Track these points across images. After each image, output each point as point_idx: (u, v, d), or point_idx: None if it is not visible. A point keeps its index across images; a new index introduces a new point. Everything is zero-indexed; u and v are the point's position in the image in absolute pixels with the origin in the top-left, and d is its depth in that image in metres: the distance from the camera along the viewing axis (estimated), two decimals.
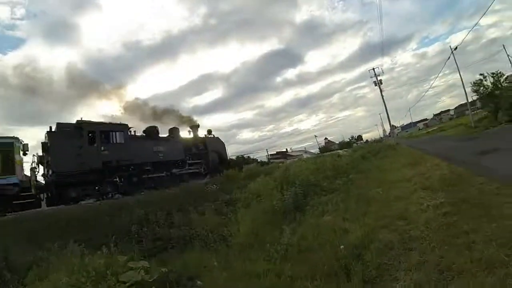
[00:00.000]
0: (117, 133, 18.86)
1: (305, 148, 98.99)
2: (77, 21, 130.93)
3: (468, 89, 30.23)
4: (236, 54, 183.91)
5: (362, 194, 9.80)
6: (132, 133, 20.57)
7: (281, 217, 9.41)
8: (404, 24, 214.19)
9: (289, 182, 12.66)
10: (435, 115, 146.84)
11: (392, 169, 14.86)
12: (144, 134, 21.85)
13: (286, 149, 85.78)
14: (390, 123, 49.55)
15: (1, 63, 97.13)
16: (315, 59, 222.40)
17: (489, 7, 22.69)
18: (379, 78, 45.61)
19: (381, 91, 45.53)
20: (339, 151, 49.07)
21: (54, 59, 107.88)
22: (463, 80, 30.17)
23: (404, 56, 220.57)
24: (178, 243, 9.78)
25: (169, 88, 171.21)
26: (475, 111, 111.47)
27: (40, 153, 16.29)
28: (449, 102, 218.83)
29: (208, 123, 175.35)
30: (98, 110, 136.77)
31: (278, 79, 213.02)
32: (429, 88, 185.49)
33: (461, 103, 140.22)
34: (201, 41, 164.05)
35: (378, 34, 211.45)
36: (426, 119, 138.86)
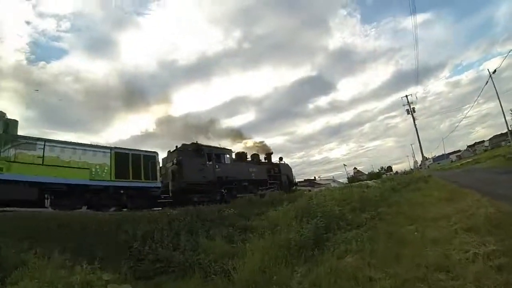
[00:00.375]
0: (226, 155, 24.25)
1: (333, 177, 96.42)
2: (117, 37, 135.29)
3: (508, 118, 28.05)
4: (268, 79, 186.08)
5: (392, 232, 8.49)
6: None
7: (296, 253, 8.15)
8: (437, 51, 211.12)
9: (311, 213, 11.41)
10: (468, 146, 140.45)
11: (426, 204, 13.41)
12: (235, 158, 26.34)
13: (314, 177, 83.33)
14: (422, 153, 47.10)
15: (45, 70, 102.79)
16: (347, 87, 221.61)
17: None
18: (412, 106, 43.70)
19: (414, 119, 43.69)
20: (368, 181, 46.97)
21: (93, 71, 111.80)
22: (502, 107, 28.09)
23: (437, 85, 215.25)
24: (179, 268, 9.03)
25: (202, 108, 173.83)
26: (509, 142, 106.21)
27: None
28: (483, 133, 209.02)
29: (240, 146, 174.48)
30: (130, 124, 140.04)
31: (310, 106, 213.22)
32: (463, 117, 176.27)
33: (496, 134, 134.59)
34: (234, 64, 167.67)
35: (410, 62, 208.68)
36: (459, 151, 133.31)
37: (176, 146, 21.61)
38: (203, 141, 28.72)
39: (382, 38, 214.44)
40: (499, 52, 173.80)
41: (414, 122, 43.47)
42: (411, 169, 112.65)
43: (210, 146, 23.57)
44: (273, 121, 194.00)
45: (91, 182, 15.10)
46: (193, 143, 22.70)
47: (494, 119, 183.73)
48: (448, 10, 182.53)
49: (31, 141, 13.63)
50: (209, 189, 21.21)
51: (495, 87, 29.52)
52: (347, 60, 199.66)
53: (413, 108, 43.68)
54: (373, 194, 20.84)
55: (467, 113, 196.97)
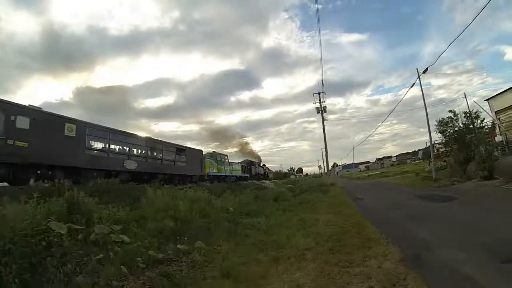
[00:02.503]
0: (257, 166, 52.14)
1: None
2: None
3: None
4: (196, 66, 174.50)
5: None
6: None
7: None
8: (364, 70, 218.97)
9: None
10: (377, 159, 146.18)
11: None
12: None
13: None
14: (327, 158, 41.62)
15: None
16: (272, 86, 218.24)
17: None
18: (323, 105, 37.46)
19: (323, 119, 37.53)
20: (265, 181, 40.77)
21: (13, 22, 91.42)
22: (428, 117, 22.11)
23: (358, 100, 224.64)
24: None
25: (124, 83, 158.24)
26: (414, 160, 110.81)
27: None
28: (392, 149, 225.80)
29: (155, 129, 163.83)
30: (45, 88, 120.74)
31: (232, 98, 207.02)
32: (374, 132, 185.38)
33: (402, 152, 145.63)
34: (166, 44, 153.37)
35: (337, 74, 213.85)
36: (368, 162, 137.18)
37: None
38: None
39: (316, 47, 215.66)
40: (417, 83, 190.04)
41: (323, 122, 37.36)
42: (321, 173, 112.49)
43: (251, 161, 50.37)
44: (193, 108, 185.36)
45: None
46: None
47: (403, 139, 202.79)
48: (382, 36, 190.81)
49: None
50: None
51: (421, 87, 24.30)
52: (278, 61, 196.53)
53: (324, 107, 37.42)
54: (236, 202, 14.42)
55: (379, 125, 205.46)
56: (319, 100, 37.36)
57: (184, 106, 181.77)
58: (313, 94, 38.15)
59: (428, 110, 22.19)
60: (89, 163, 15.20)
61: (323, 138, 37.79)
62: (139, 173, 18.44)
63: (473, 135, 19.59)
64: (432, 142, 22.16)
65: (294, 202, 17.36)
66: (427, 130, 22.95)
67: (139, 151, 20.09)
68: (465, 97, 30.65)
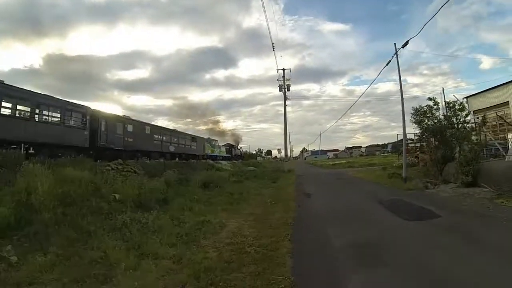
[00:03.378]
0: (236, 148, 63.39)
1: None
2: None
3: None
4: (174, 40, 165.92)
5: None
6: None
7: None
8: (343, 60, 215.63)
9: None
10: (347, 148, 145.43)
11: None
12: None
13: None
14: (286, 143, 37.49)
15: None
16: (248, 67, 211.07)
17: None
18: (287, 83, 33.19)
19: (285, 98, 33.26)
20: (222, 161, 37.22)
21: None
22: (404, 103, 18.07)
23: (333, 88, 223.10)
24: None
25: (98, 53, 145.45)
26: (383, 153, 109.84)
27: None
28: (362, 139, 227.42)
29: (127, 102, 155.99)
30: (13, 53, 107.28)
31: (207, 76, 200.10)
32: (342, 121, 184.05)
33: (372, 143, 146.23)
34: (144, 15, 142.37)
35: (314, 61, 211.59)
36: (337, 150, 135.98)
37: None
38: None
39: (297, 32, 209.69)
40: (393, 79, 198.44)
41: (285, 102, 33.09)
42: (288, 157, 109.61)
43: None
44: (167, 83, 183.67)
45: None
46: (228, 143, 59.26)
47: (374, 131, 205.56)
48: (365, 29, 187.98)
49: None
50: None
51: (398, 64, 19.68)
52: (256, 42, 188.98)
53: (288, 86, 33.10)
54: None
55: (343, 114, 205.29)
56: (283, 77, 33.05)
57: (159, 80, 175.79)
58: (277, 70, 33.84)
59: (400, 106, 18.40)
60: (154, 148, 25.87)
61: (283, 119, 33.47)
62: (175, 153, 28.85)
63: (455, 130, 16.04)
64: (406, 134, 18.27)
65: (225, 191, 14.08)
66: (398, 124, 19.84)
67: (174, 140, 30.18)
68: (443, 92, 27.41)
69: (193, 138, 35.47)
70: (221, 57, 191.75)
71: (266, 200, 11.52)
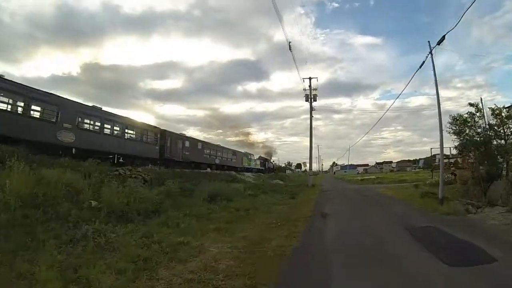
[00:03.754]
0: (269, 162, 65.19)
1: None
2: None
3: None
4: (206, 52, 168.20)
5: None
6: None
7: None
8: (374, 73, 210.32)
9: None
10: (377, 163, 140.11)
11: None
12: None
13: None
14: (311, 155, 34.78)
15: None
16: (280, 80, 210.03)
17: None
18: (314, 93, 31.24)
19: (311, 109, 31.27)
20: (246, 173, 36.02)
21: None
22: (440, 109, 15.64)
23: (365, 102, 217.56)
24: None
25: (132, 63, 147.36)
26: (414, 169, 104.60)
27: None
28: (393, 155, 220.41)
29: (160, 111, 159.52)
30: (53, 61, 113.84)
31: (239, 88, 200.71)
32: (367, 136, 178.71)
33: (404, 159, 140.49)
34: (178, 27, 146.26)
35: (347, 75, 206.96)
36: (367, 165, 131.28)
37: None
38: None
39: (328, 45, 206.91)
40: (426, 93, 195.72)
41: (311, 112, 31.03)
42: (319, 171, 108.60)
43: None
44: (199, 94, 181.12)
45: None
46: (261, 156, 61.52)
47: (405, 146, 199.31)
48: (396, 42, 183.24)
49: None
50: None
51: (434, 65, 18.49)
52: (288, 55, 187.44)
53: (314, 96, 31.07)
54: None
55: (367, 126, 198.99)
56: (309, 87, 31.17)
57: (190, 91, 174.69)
58: (303, 79, 31.85)
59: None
60: (204, 160, 29.87)
61: (309, 131, 31.43)
62: (220, 165, 33.23)
63: (503, 141, 13.60)
64: (443, 146, 15.77)
65: (232, 205, 12.94)
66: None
67: (219, 153, 34.25)
68: (481, 102, 24.45)
69: (234, 152, 40.34)
70: (253, 70, 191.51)
71: (272, 220, 9.78)
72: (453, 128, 15.01)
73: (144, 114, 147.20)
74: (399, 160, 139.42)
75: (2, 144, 10.79)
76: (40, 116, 14.06)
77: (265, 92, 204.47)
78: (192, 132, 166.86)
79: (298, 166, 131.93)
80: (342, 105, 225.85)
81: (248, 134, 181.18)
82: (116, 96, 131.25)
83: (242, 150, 46.21)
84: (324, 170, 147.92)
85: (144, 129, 21.41)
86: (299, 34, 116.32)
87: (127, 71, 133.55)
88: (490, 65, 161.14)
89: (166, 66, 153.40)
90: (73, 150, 15.09)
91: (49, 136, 13.94)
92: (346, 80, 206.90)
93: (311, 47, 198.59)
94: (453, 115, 15.49)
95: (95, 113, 17.26)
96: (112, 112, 19.26)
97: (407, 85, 33.11)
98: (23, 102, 13.38)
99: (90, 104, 17.89)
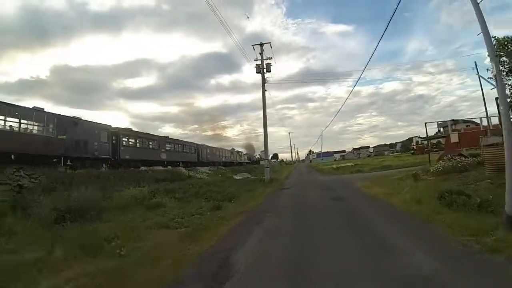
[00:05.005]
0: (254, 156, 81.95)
1: None
2: None
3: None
4: (178, 47, 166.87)
5: None
6: None
7: None
8: (347, 61, 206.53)
9: None
10: (354, 148, 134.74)
11: None
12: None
13: None
14: (266, 140, 26.30)
15: None
16: (253, 71, 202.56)
17: None
18: (266, 62, 23.49)
19: (263, 80, 23.37)
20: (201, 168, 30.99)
21: None
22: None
23: (339, 90, 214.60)
24: None
25: (103, 62, 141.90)
26: (392, 153, 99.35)
27: None
28: (369, 140, 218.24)
29: (133, 109, 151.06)
30: (19, 64, 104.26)
31: (212, 81, 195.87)
32: (333, 121, 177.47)
33: (380, 143, 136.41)
34: (148, 23, 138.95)
35: (319, 63, 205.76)
36: (344, 151, 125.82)
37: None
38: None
39: (300, 35, 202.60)
40: (398, 78, 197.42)
41: (263, 86, 22.98)
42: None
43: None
44: (172, 90, 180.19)
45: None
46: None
47: (381, 131, 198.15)
48: (368, 29, 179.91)
49: None
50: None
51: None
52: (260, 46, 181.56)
53: (268, 66, 23.27)
54: None
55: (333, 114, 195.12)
56: (261, 54, 23.32)
57: (164, 87, 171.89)
58: (253, 46, 23.94)
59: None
60: (217, 159, 44.94)
61: (263, 109, 23.58)
62: (226, 162, 48.41)
63: None
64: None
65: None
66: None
67: (225, 154, 50.24)
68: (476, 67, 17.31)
69: (231, 152, 55.85)
70: (225, 63, 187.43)
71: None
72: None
73: (117, 114, 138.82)
74: (376, 145, 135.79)
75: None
76: (156, 148, 27.68)
77: (238, 84, 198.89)
78: (168, 129, 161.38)
79: (275, 156, 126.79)
80: (316, 93, 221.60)
81: (224, 127, 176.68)
82: (89, 97, 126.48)
83: (236, 149, 62.87)
84: (301, 159, 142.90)
85: (189, 145, 36.78)
86: (270, 25, 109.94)
87: (98, 71, 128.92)
88: (459, 49, 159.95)
89: (138, 63, 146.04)
90: (165, 162, 28.18)
91: (158, 156, 27.37)
92: (319, 69, 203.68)
93: (282, 37, 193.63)
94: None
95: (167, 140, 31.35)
96: (176, 139, 35.06)
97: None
98: (158, 143, 28.20)
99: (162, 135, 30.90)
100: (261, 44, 23.40)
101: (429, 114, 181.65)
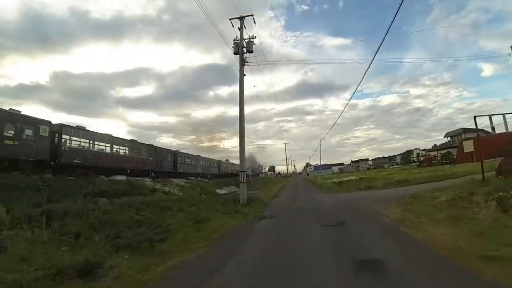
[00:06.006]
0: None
1: None
2: None
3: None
4: (177, 57, 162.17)
5: None
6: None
7: None
8: (345, 74, 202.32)
9: None
10: (353, 161, 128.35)
11: None
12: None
13: None
14: (242, 145, 22.24)
15: None
16: (250, 83, 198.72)
17: None
18: (251, 38, 17.14)
19: (241, 63, 16.82)
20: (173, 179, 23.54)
21: None
22: None
23: (336, 102, 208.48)
24: None
25: (103, 70, 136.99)
26: (392, 165, 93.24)
27: None
28: (367, 153, 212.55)
29: (132, 118, 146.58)
30: (19, 69, 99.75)
31: (211, 93, 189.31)
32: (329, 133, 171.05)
33: (378, 156, 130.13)
34: (148, 33, 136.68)
35: (318, 76, 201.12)
36: (342, 164, 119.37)
37: None
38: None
39: (299, 48, 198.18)
40: (396, 91, 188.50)
41: (241, 68, 16.32)
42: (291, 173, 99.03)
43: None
44: (171, 100, 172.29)
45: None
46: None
47: (378, 144, 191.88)
48: (365, 43, 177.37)
49: None
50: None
51: None
52: (258, 59, 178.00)
53: (249, 44, 16.74)
54: None
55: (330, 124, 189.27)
56: (240, 29, 16.88)
57: (162, 97, 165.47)
58: (230, 20, 17.29)
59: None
60: (232, 171, 49.26)
61: (239, 99, 16.79)
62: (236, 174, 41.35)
63: None
64: None
65: None
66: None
67: (234, 167, 50.18)
68: None
69: (234, 164, 53.79)
70: (224, 75, 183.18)
71: None
72: None
73: (116, 122, 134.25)
74: (375, 157, 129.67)
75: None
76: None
77: (236, 96, 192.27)
78: (166, 139, 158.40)
79: (272, 168, 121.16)
80: (314, 106, 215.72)
81: (221, 139, 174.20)
82: (88, 104, 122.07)
83: (231, 160, 60.18)
84: (298, 171, 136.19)
85: (211, 161, 46.76)
86: (270, 37, 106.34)
87: (98, 79, 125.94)
88: (455, 62, 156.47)
89: (137, 72, 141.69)
90: (200, 174, 36.38)
91: (196, 170, 36.63)
92: (318, 81, 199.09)
93: (281, 50, 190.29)
94: None
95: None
96: (209, 157, 46.13)
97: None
98: (204, 162, 40.76)
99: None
100: (241, 18, 17.02)
101: (427, 127, 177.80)
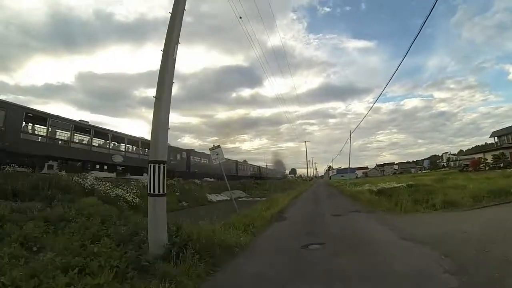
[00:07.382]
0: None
1: None
2: None
3: None
4: (199, 59, 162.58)
5: None
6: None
7: None
8: (368, 77, 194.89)
9: None
10: (377, 165, 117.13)
11: None
12: None
13: None
14: None
15: None
16: (274, 85, 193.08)
17: None
18: None
19: None
20: None
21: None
22: None
23: (359, 106, 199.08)
24: None
25: (126, 71, 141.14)
26: (420, 170, 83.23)
27: None
28: (389, 157, 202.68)
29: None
30: (46, 69, 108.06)
31: (233, 94, 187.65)
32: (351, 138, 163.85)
33: (401, 161, 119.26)
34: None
35: (340, 79, 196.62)
36: (366, 168, 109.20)
37: None
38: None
39: (321, 50, 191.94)
40: (419, 94, 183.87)
41: None
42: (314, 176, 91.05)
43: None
44: (193, 101, 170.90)
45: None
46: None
47: (401, 148, 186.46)
48: (388, 46, 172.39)
49: None
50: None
51: None
52: (281, 61, 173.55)
53: None
54: None
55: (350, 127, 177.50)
56: None
57: (184, 98, 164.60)
58: None
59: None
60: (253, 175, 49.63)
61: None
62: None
63: None
64: None
65: None
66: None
67: (267, 172, 59.36)
68: None
69: (252, 166, 55.40)
70: (246, 76, 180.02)
71: None
72: None
73: (139, 122, 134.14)
74: (399, 162, 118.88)
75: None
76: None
77: (259, 98, 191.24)
78: (187, 140, 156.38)
79: (293, 171, 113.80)
80: (336, 110, 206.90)
81: (243, 140, 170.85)
82: (112, 104, 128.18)
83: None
84: (319, 175, 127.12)
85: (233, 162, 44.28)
86: (292, 39, 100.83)
87: (121, 79, 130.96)
88: (481, 65, 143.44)
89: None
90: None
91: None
92: (340, 84, 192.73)
93: (304, 52, 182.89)
94: None
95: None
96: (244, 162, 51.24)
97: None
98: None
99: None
100: None
101: (451, 132, 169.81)
